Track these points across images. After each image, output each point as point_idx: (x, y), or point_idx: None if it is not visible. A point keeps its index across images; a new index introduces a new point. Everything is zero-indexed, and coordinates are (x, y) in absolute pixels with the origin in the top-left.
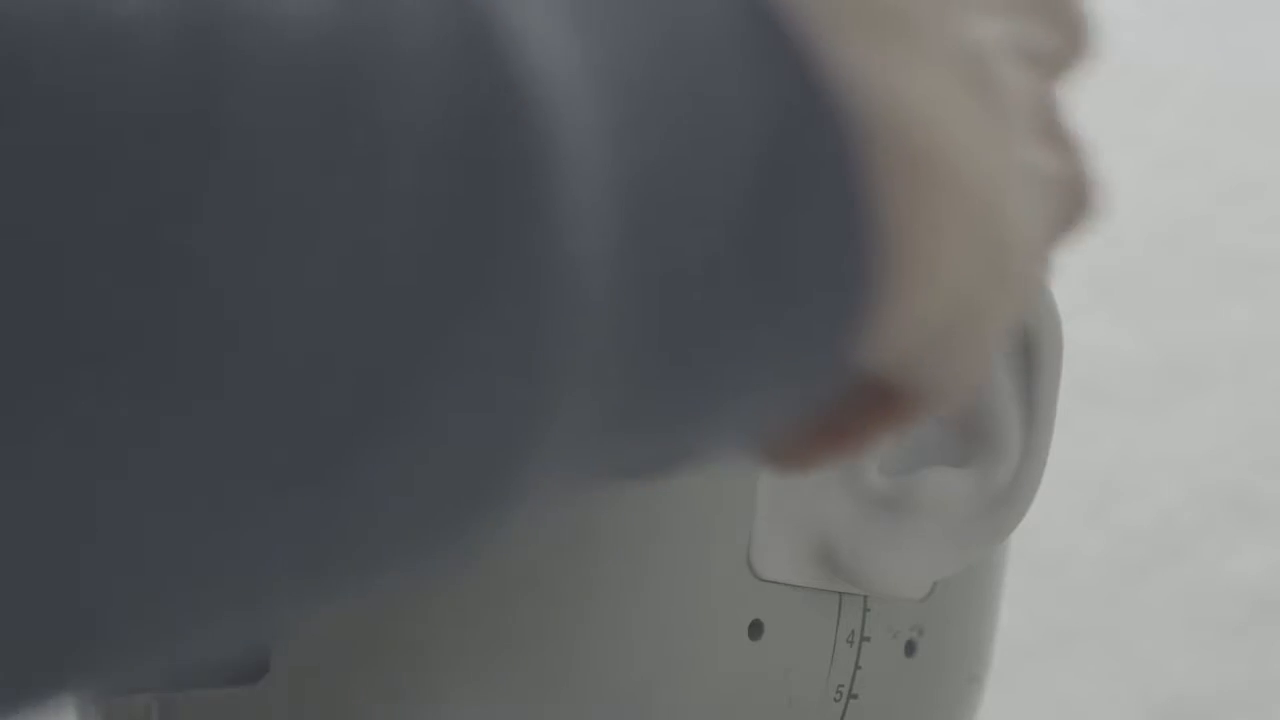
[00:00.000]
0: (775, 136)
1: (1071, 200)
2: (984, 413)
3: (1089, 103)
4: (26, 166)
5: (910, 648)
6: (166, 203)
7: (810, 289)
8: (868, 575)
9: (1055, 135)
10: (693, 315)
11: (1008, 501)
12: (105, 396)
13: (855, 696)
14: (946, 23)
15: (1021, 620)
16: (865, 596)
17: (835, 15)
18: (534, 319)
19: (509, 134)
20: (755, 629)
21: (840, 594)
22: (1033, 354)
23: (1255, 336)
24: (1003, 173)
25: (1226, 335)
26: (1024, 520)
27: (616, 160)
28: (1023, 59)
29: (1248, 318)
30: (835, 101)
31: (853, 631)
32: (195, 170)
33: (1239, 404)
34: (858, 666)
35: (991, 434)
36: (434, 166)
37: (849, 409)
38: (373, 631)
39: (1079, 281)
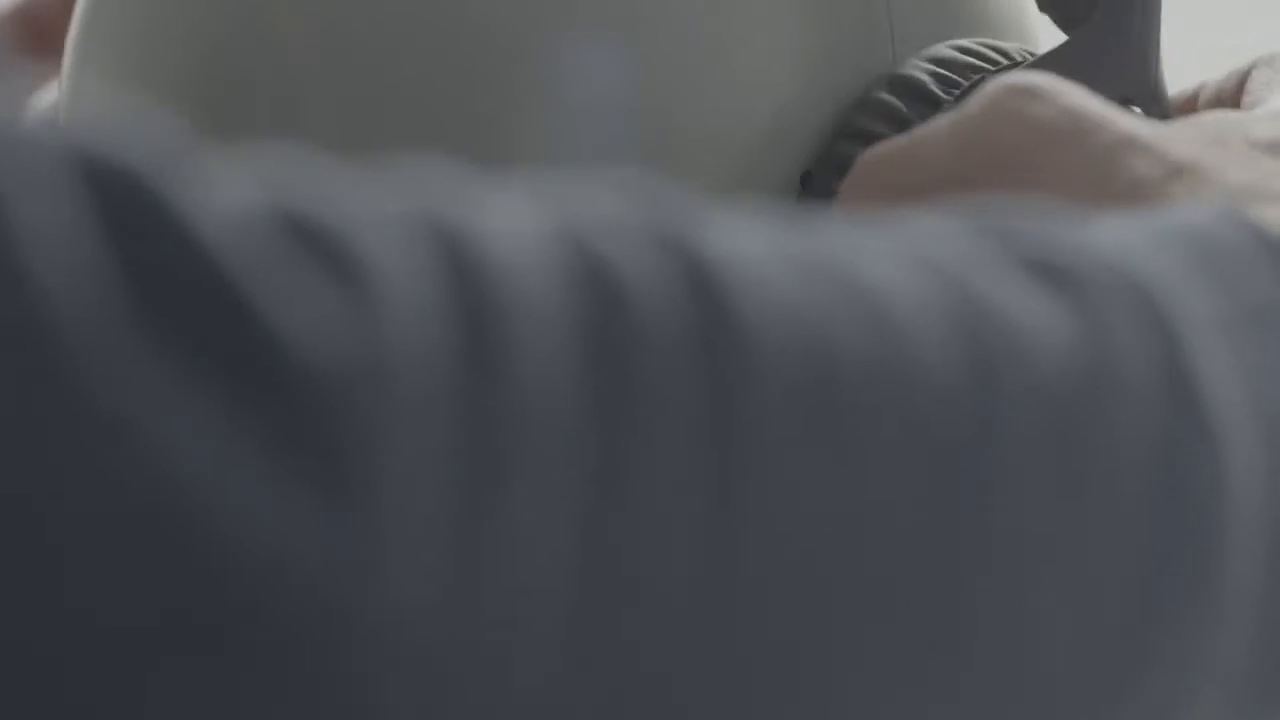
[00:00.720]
0: None
1: None
2: None
3: None
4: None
5: None
6: (943, 548)
7: None
8: None
9: None
10: None
11: None
12: None
13: None
14: None
15: None
16: None
17: None
18: (1208, 631)
19: (1200, 471)
20: None
21: None
22: None
23: None
24: None
25: None
26: None
27: (1269, 504)
28: None
29: None
30: None
31: None
32: (965, 500)
33: None
34: None
35: None
36: (1138, 496)
37: None
38: None
39: None
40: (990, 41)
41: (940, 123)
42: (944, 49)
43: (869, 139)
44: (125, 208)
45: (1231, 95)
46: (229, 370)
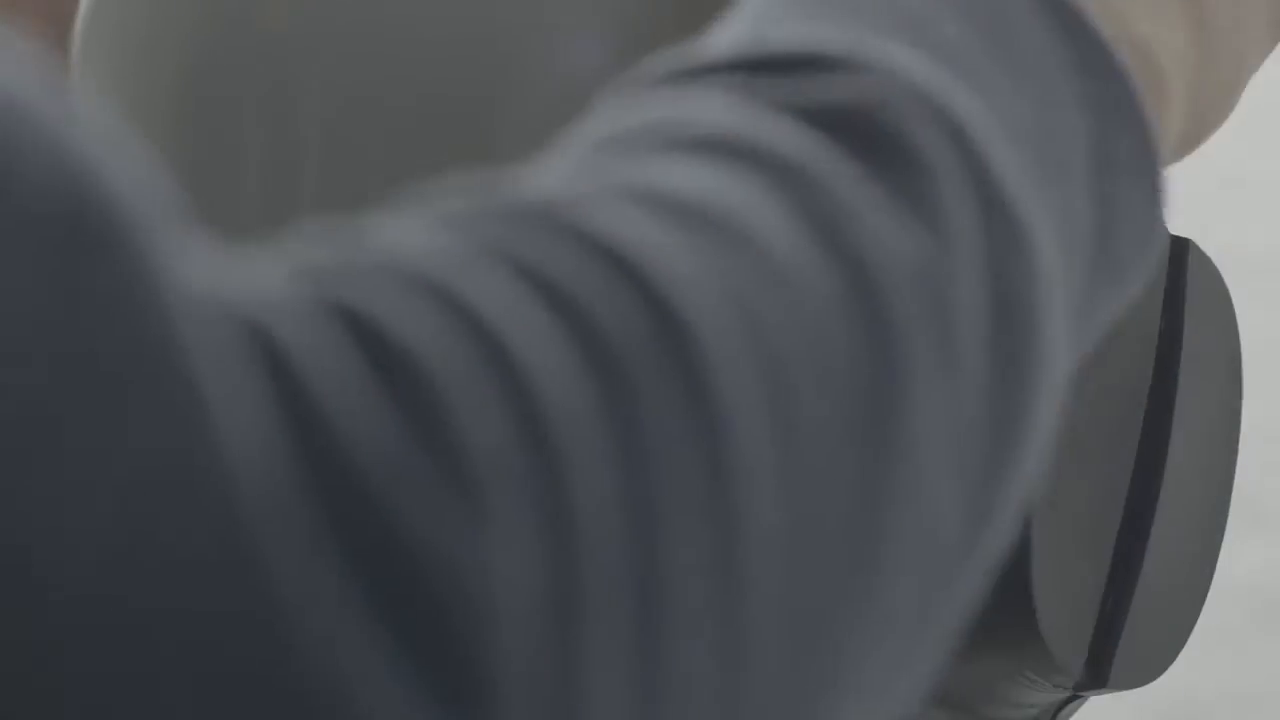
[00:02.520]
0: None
1: None
2: None
3: None
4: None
5: None
6: (869, 429)
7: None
8: None
9: None
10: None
11: None
12: None
13: None
14: None
15: None
16: None
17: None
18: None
19: (1021, 290)
20: None
21: None
22: None
23: (1254, 337)
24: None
25: None
26: None
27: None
28: None
29: (1246, 318)
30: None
31: None
32: (880, 422)
33: None
34: None
35: None
36: (982, 339)
37: None
38: None
39: None
40: None
41: None
42: None
43: None
44: (297, 400)
45: None
46: (381, 585)
